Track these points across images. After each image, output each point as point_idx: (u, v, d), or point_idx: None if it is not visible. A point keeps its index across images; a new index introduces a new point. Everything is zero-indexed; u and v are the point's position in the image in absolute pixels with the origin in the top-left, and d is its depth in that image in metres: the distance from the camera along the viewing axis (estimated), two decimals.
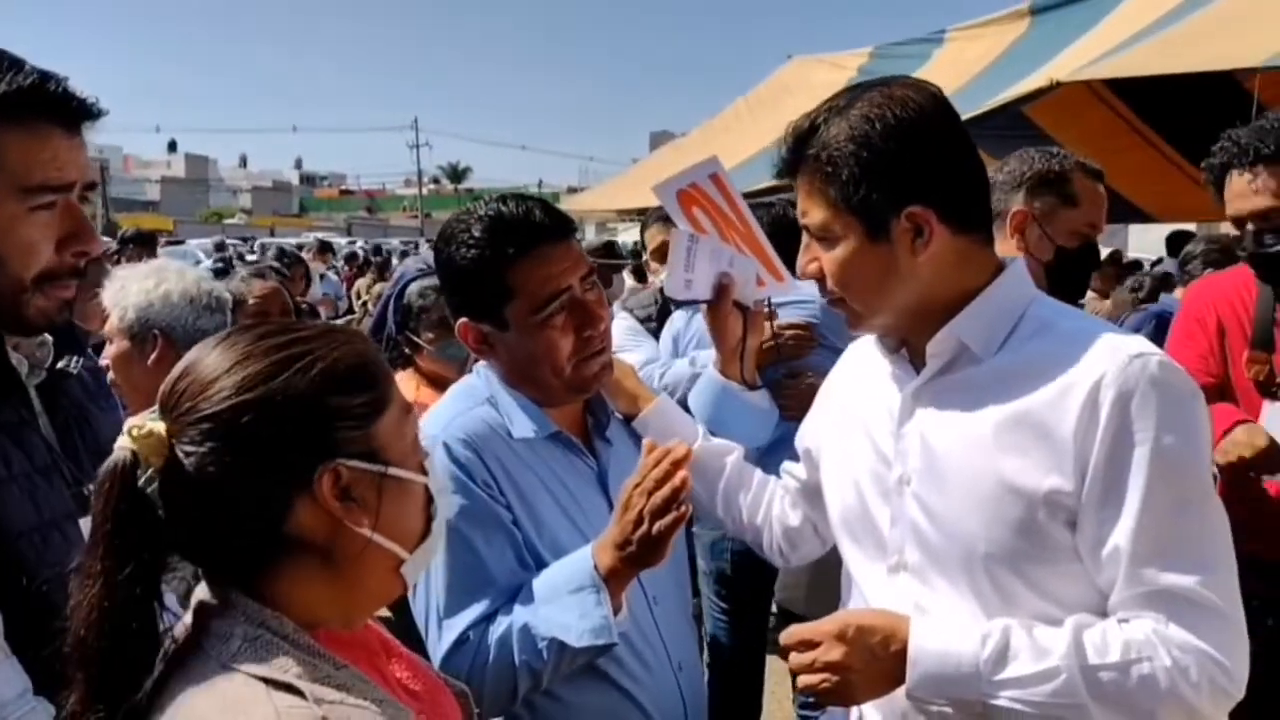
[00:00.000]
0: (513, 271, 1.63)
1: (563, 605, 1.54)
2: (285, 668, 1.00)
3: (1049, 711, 1.32)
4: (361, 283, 11.93)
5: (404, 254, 17.82)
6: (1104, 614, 1.36)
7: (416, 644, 1.68)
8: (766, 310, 1.93)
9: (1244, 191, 2.38)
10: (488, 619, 1.59)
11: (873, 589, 1.55)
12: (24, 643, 1.35)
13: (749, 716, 3.78)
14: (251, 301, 3.21)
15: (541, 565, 1.65)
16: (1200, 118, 6.99)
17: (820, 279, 1.50)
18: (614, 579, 1.55)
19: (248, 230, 51.96)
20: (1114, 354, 1.34)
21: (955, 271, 1.44)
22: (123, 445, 1.02)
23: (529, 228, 1.64)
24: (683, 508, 1.50)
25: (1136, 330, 4.35)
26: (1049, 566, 1.37)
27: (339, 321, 9.51)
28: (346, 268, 15.43)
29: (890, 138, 1.40)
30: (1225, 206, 2.46)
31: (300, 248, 13.64)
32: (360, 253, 17.77)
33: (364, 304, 10.11)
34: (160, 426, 1.02)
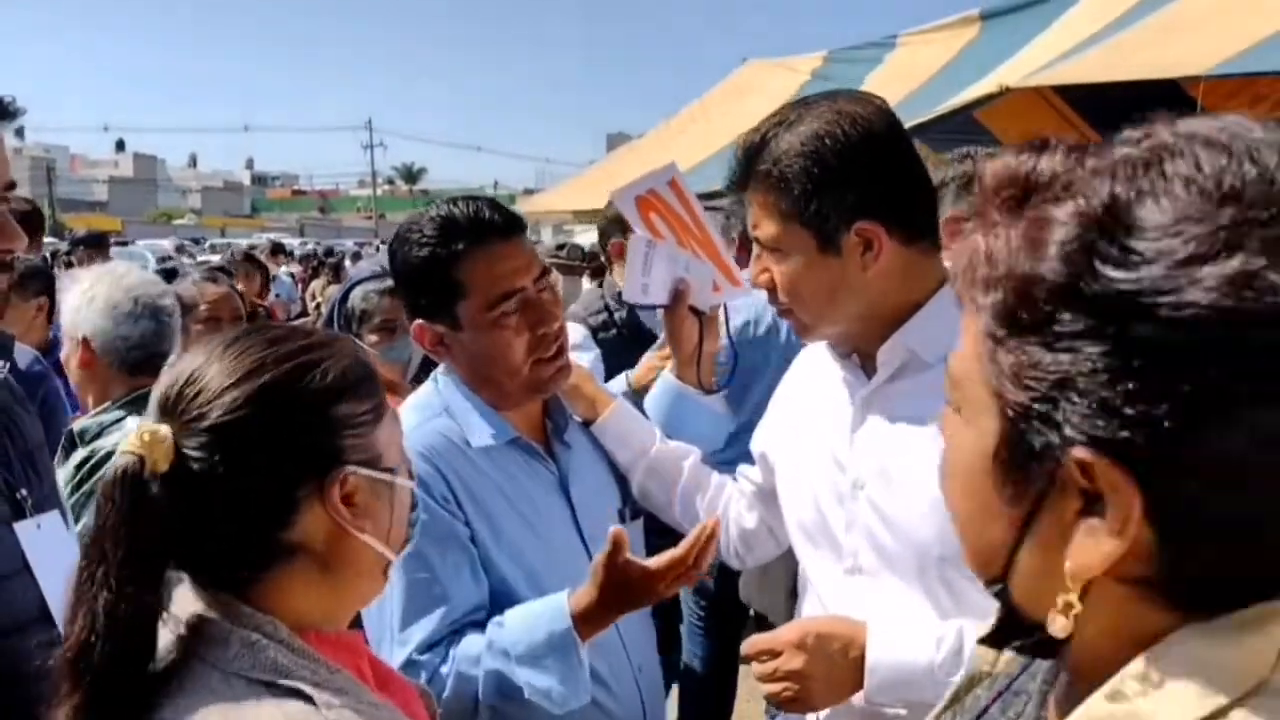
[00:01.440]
0: (463, 268, 1.64)
1: (541, 668, 1.55)
2: (285, 672, 1.01)
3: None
4: (316, 284, 11.82)
5: (356, 255, 17.64)
6: None
7: None
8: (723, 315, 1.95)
9: None
10: (442, 643, 1.59)
11: (829, 592, 1.57)
12: None
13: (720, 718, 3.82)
14: (203, 306, 3.15)
15: (501, 575, 1.65)
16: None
17: (771, 289, 1.52)
18: (590, 631, 1.58)
19: (198, 231, 51.31)
20: None
21: (903, 282, 1.47)
22: (129, 449, 1.00)
23: (479, 225, 1.65)
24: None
25: None
26: None
27: (293, 322, 9.44)
28: (300, 269, 15.27)
29: (841, 154, 1.42)
30: None
31: (252, 249, 13.48)
32: (313, 254, 17.59)
33: (317, 306, 10.01)
34: (168, 431, 1.01)
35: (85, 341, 2.45)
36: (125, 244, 29.00)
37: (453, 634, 1.60)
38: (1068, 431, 0.62)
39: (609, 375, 3.58)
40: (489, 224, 1.65)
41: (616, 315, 3.86)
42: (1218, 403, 0.58)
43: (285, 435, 1.02)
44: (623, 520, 1.84)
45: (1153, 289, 0.59)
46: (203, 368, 1.04)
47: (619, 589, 1.54)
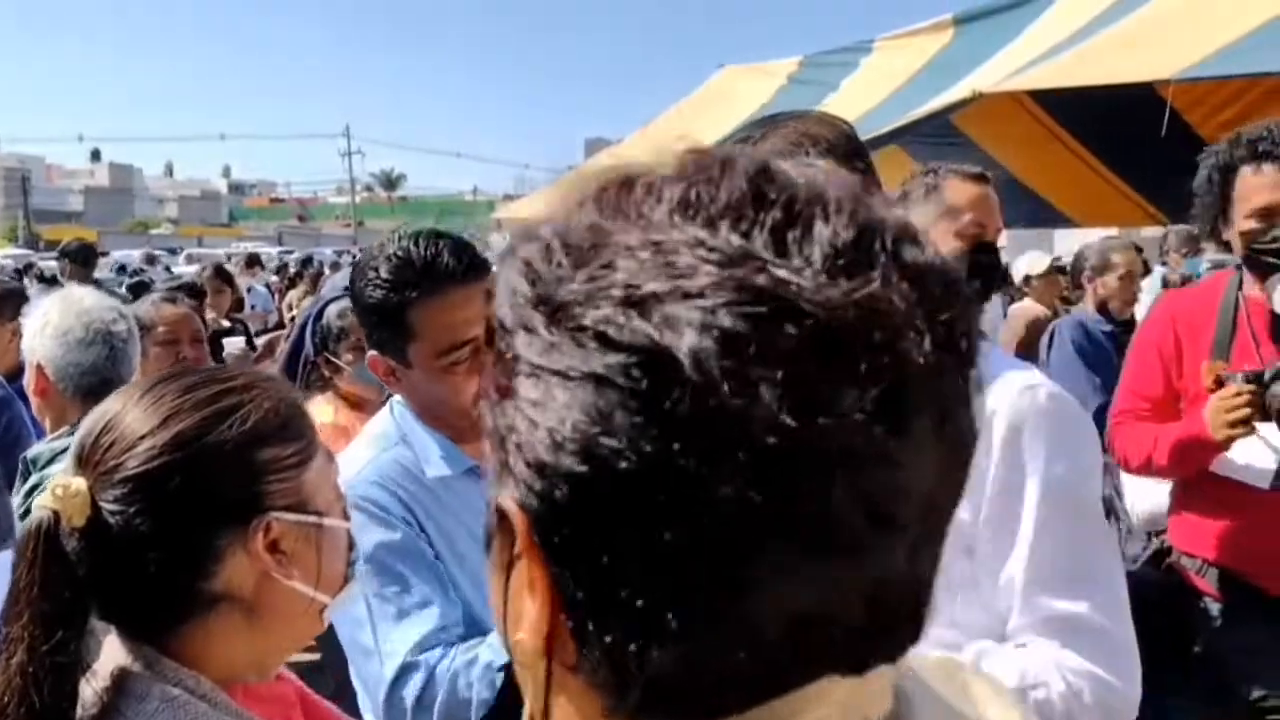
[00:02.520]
0: (414, 313, 1.62)
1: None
2: None
3: None
4: (293, 294, 11.69)
5: (335, 265, 17.53)
6: (1003, 638, 1.39)
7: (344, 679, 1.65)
8: None
9: (1263, 185, 2.44)
10: (433, 647, 1.57)
11: None
12: None
13: None
14: (161, 329, 3.12)
15: (467, 600, 1.64)
16: (1118, 126, 7.23)
17: None
18: None
19: (174, 240, 50.94)
20: (1006, 386, 1.38)
21: None
22: (43, 505, 0.99)
23: (432, 271, 1.61)
24: None
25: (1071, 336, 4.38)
26: (947, 593, 1.39)
27: (269, 335, 9.35)
28: (277, 279, 15.13)
29: None
30: (1236, 205, 2.50)
31: (229, 258, 13.37)
32: (290, 264, 17.35)
33: (294, 318, 9.94)
34: (83, 484, 0.99)
35: (40, 368, 2.44)
36: (101, 254, 28.82)
37: (449, 642, 1.58)
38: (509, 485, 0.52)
39: None
40: (444, 270, 1.62)
41: None
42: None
43: (203, 484, 1.00)
44: None
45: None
46: (119, 416, 1.02)
47: None
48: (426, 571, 1.62)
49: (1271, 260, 2.42)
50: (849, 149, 1.47)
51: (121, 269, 13.95)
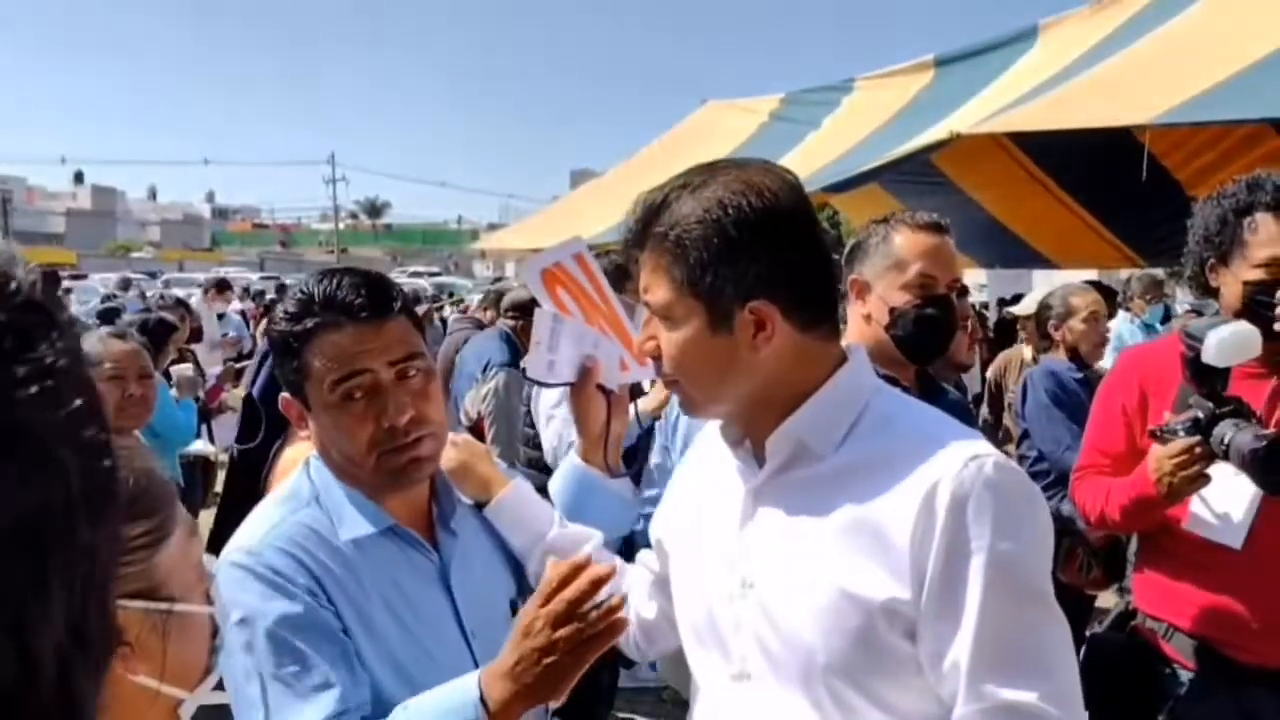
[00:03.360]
0: (308, 349, 1.57)
1: None
2: None
3: None
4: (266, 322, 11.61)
5: None
6: None
7: None
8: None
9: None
10: None
11: (716, 698, 1.48)
12: None
13: None
14: (107, 365, 3.05)
15: (375, 677, 1.55)
16: (1096, 169, 7.29)
17: (658, 358, 1.45)
18: (504, 714, 1.43)
19: (155, 264, 50.75)
20: (950, 457, 1.31)
21: (795, 368, 1.40)
22: None
23: (330, 304, 1.57)
24: (606, 634, 1.41)
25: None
26: (889, 679, 1.33)
27: (239, 365, 9.25)
28: (253, 305, 14.99)
29: (742, 227, 1.35)
30: (1247, 250, 2.38)
31: (207, 285, 13.22)
32: (265, 290, 17.10)
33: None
34: None
35: None
36: (81, 278, 28.65)
37: None
38: None
39: None
40: (339, 304, 1.56)
41: None
42: None
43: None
44: (514, 610, 1.70)
45: None
46: None
47: (528, 646, 1.41)
48: (330, 647, 1.51)
49: (1272, 315, 2.35)
50: (794, 202, 1.41)
51: (110, 296, 13.69)
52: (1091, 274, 10.03)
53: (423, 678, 1.55)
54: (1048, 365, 4.51)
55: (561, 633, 1.40)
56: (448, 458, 1.76)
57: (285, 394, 1.65)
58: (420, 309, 7.49)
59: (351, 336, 1.55)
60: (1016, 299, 7.83)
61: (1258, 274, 2.36)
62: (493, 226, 59.65)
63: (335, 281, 1.59)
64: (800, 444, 1.40)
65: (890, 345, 2.37)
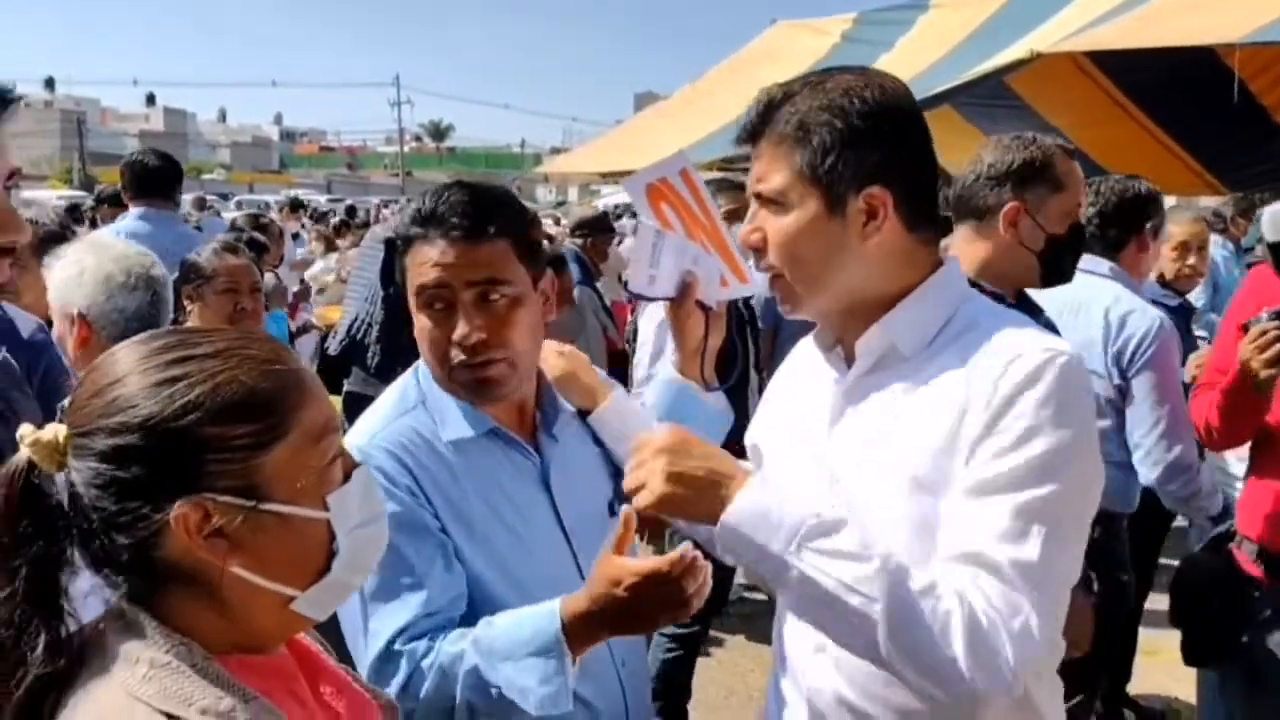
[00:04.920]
0: (407, 254, 1.66)
1: (522, 666, 1.50)
2: (190, 700, 0.96)
3: (837, 602, 1.28)
4: (341, 244, 11.67)
5: (379, 216, 17.47)
6: None
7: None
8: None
9: None
10: (425, 635, 1.56)
11: None
12: None
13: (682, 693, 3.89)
14: (221, 278, 3.17)
15: (475, 572, 1.63)
16: (1180, 92, 7.05)
17: (760, 249, 1.49)
18: (580, 640, 1.51)
19: (226, 186, 51.42)
20: (1027, 349, 1.36)
21: (896, 266, 1.46)
22: (23, 449, 1.00)
23: (430, 218, 1.64)
24: (681, 612, 1.47)
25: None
26: (909, 529, 1.38)
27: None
28: (320, 228, 15.11)
29: (866, 115, 1.41)
30: None
31: (281, 205, 13.38)
32: (332, 213, 17.04)
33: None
34: (55, 433, 1.00)
35: (81, 317, 2.40)
36: None
37: (437, 628, 1.57)
38: None
39: None
40: (439, 219, 1.63)
41: None
42: None
43: (137, 454, 0.97)
44: (612, 512, 1.80)
45: None
46: (97, 369, 1.03)
47: (614, 599, 1.46)
48: (426, 546, 1.60)
49: None
50: (911, 103, 1.47)
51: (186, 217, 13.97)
52: (1170, 201, 9.77)
53: (521, 571, 1.65)
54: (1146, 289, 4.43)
55: (645, 599, 1.45)
56: (553, 366, 1.84)
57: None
58: None
59: (439, 251, 1.62)
60: None
61: None
62: (556, 150, 59.32)
63: (444, 196, 1.66)
64: (890, 345, 1.46)
65: (1023, 267, 2.41)
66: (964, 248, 2.43)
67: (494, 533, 1.67)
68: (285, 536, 1.03)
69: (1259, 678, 2.51)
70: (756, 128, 1.49)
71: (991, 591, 1.27)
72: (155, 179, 4.79)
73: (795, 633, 1.58)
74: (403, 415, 1.70)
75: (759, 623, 4.81)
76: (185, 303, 3.10)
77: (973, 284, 2.31)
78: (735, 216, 3.88)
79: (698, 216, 1.89)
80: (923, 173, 1.48)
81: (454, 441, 1.68)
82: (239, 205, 23.65)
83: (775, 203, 1.46)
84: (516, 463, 1.73)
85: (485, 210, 1.65)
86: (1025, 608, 1.27)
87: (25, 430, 1.00)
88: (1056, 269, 2.41)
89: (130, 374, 1.00)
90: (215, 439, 0.99)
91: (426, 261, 1.63)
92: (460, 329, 1.63)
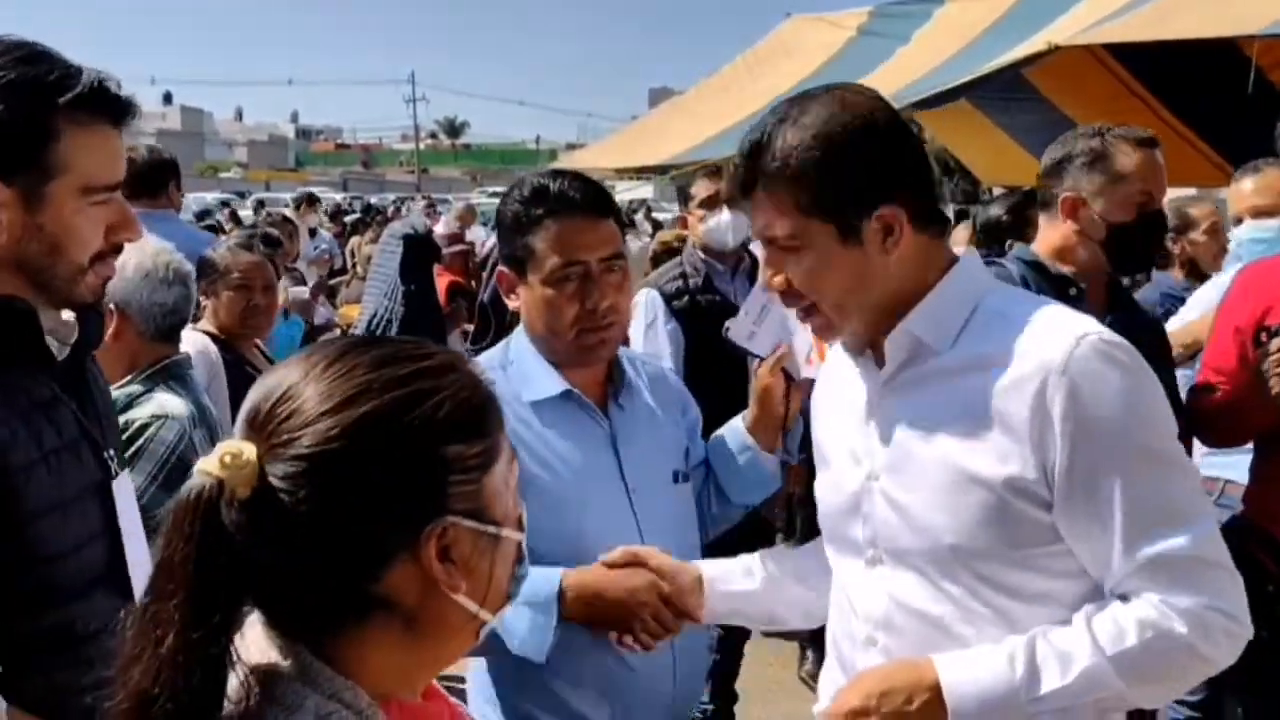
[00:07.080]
0: (536, 232, 1.83)
1: (518, 612, 1.66)
2: None
3: (1092, 704, 1.38)
4: (356, 240, 11.68)
5: (396, 211, 17.46)
6: (1081, 598, 1.41)
7: None
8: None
9: None
10: None
11: (852, 584, 1.58)
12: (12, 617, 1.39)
13: (729, 678, 3.89)
14: (235, 275, 3.19)
15: (537, 526, 1.69)
16: (1199, 84, 7.00)
17: (787, 292, 1.51)
18: (577, 599, 1.72)
19: (243, 185, 51.62)
20: (1059, 338, 1.38)
21: (917, 269, 1.48)
22: (206, 471, 0.88)
23: (558, 198, 1.84)
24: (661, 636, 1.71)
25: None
26: (1015, 556, 1.41)
27: (331, 281, 9.43)
28: (333, 224, 15.11)
29: (854, 139, 1.42)
30: None
31: (297, 200, 13.40)
32: (348, 207, 16.98)
33: (354, 265, 9.94)
34: (254, 452, 0.89)
35: (118, 309, 2.40)
36: None
37: None
38: None
39: (688, 347, 3.63)
40: (568, 200, 1.83)
41: (692, 282, 3.80)
42: None
43: (382, 475, 0.89)
44: (675, 480, 1.97)
45: None
46: (299, 386, 0.91)
47: (612, 589, 1.70)
48: None
49: None
50: (888, 113, 1.49)
51: (203, 214, 13.98)
52: (1190, 192, 9.71)
53: (585, 523, 1.83)
54: (1160, 282, 4.39)
55: (645, 611, 1.70)
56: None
57: (503, 267, 1.92)
58: None
59: (577, 227, 1.83)
60: None
61: None
62: (571, 146, 59.29)
63: (566, 180, 1.89)
64: (917, 341, 1.48)
65: (1090, 255, 2.44)
66: (1041, 233, 2.54)
67: (560, 487, 1.83)
68: (497, 560, 0.98)
69: (1259, 675, 2.49)
70: (746, 181, 1.49)
71: (1185, 601, 1.35)
72: (142, 178, 4.61)
73: (846, 626, 1.61)
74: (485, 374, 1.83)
75: None
76: (200, 299, 3.11)
77: (1039, 265, 2.44)
78: (713, 202, 3.89)
79: None
80: (922, 175, 1.49)
81: (534, 402, 1.86)
82: (259, 204, 23.69)
83: (790, 248, 1.48)
84: (586, 425, 1.91)
85: (603, 191, 1.92)
86: (1205, 577, 1.36)
87: (227, 446, 0.89)
88: (1128, 256, 2.45)
89: (369, 390, 0.91)
90: (459, 458, 0.93)
91: (566, 237, 1.82)
92: (595, 297, 1.83)
